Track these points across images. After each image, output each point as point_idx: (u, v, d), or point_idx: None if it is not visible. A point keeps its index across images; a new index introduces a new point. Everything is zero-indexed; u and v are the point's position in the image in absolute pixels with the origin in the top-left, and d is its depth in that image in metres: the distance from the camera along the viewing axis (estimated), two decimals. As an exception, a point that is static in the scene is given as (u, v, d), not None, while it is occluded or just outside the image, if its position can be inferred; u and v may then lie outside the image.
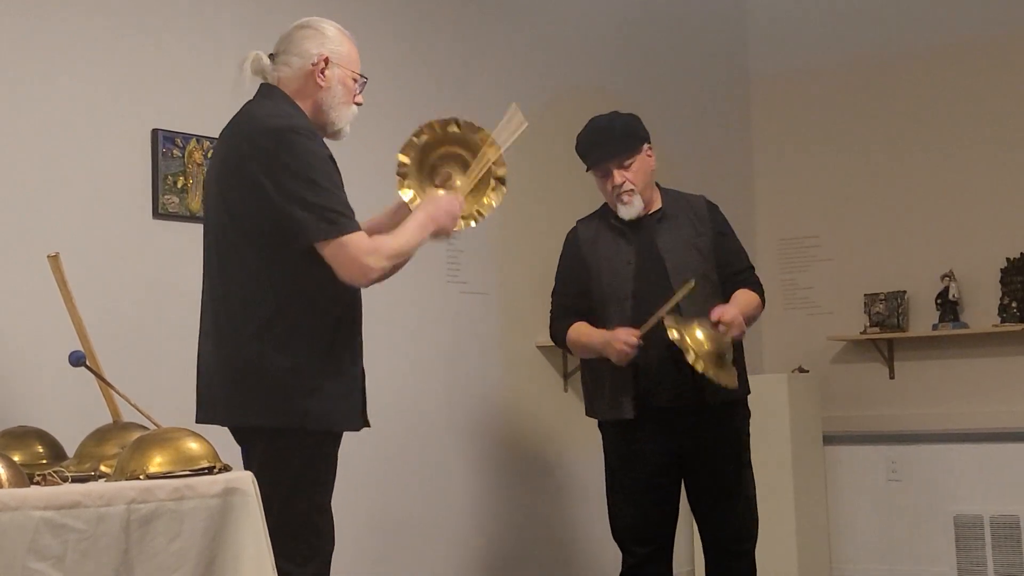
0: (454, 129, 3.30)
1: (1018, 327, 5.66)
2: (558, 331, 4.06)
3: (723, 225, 4.08)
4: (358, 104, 3.15)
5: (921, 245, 6.08)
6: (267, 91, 3.06)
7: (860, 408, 6.17)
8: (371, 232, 3.26)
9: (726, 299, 3.92)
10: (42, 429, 2.87)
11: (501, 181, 3.31)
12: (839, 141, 6.39)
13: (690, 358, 3.69)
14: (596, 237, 4.02)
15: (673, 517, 4.04)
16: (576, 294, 4.01)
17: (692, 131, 6.19)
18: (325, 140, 3.03)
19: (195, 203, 3.87)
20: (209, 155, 3.89)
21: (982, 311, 5.87)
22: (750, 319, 3.94)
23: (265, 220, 2.88)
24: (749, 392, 4.04)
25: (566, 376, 5.29)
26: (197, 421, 2.98)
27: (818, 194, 6.45)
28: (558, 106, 5.32)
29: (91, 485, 2.34)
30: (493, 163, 3.30)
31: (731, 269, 4.01)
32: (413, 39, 4.80)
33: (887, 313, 6.08)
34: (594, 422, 4.08)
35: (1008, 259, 5.79)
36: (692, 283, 3.73)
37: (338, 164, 2.99)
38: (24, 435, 2.81)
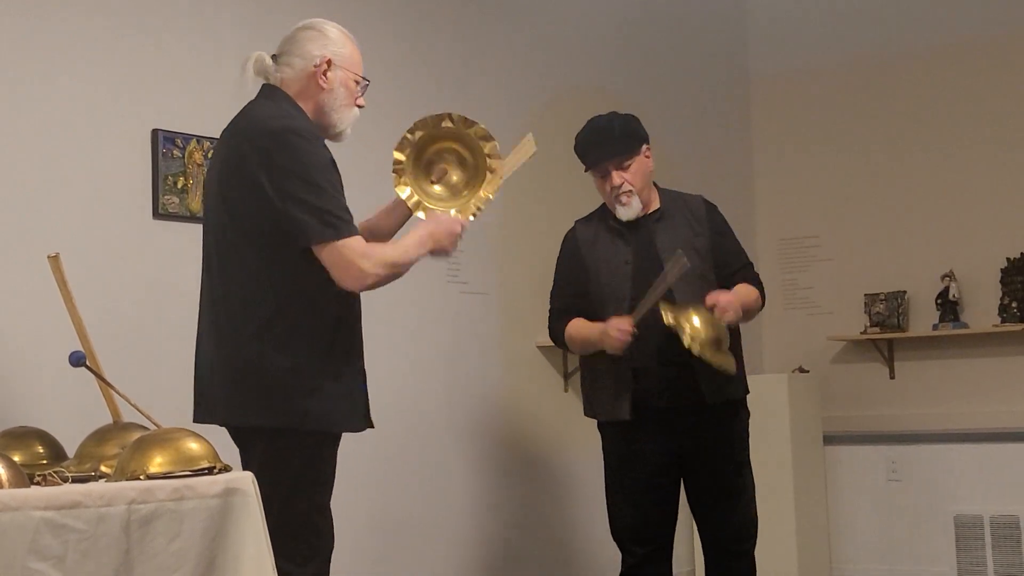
0: (448, 124, 3.30)
1: (1018, 327, 5.66)
2: (556, 330, 4.06)
3: (721, 225, 4.07)
4: (360, 106, 3.15)
5: (921, 245, 6.08)
6: (269, 92, 3.06)
7: (860, 408, 6.17)
8: (370, 229, 3.28)
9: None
10: (42, 429, 2.87)
11: (497, 174, 3.32)
12: (839, 141, 6.39)
13: (686, 341, 3.67)
14: (594, 238, 4.02)
15: (673, 517, 4.04)
16: (574, 295, 4.01)
17: (692, 131, 6.19)
18: (327, 142, 3.03)
19: (195, 203, 3.87)
20: (209, 155, 3.89)
21: (982, 311, 5.87)
22: (748, 311, 3.92)
23: (265, 220, 2.88)
24: (748, 392, 4.04)
25: (566, 376, 5.29)
26: (195, 420, 2.99)
27: (818, 194, 6.45)
28: (558, 106, 5.32)
29: (91, 485, 2.34)
30: (488, 156, 3.31)
31: (730, 269, 4.00)
32: (413, 39, 4.80)
33: (887, 313, 6.08)
34: (594, 422, 4.08)
35: (1008, 259, 5.80)
36: (683, 259, 3.69)
37: (338, 164, 2.99)
38: (24, 435, 2.81)
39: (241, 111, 3.05)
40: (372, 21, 4.49)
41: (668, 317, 3.71)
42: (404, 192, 3.28)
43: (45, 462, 2.72)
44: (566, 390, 5.29)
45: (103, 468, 2.61)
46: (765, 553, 4.20)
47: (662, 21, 6.12)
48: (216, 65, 4.00)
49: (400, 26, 4.75)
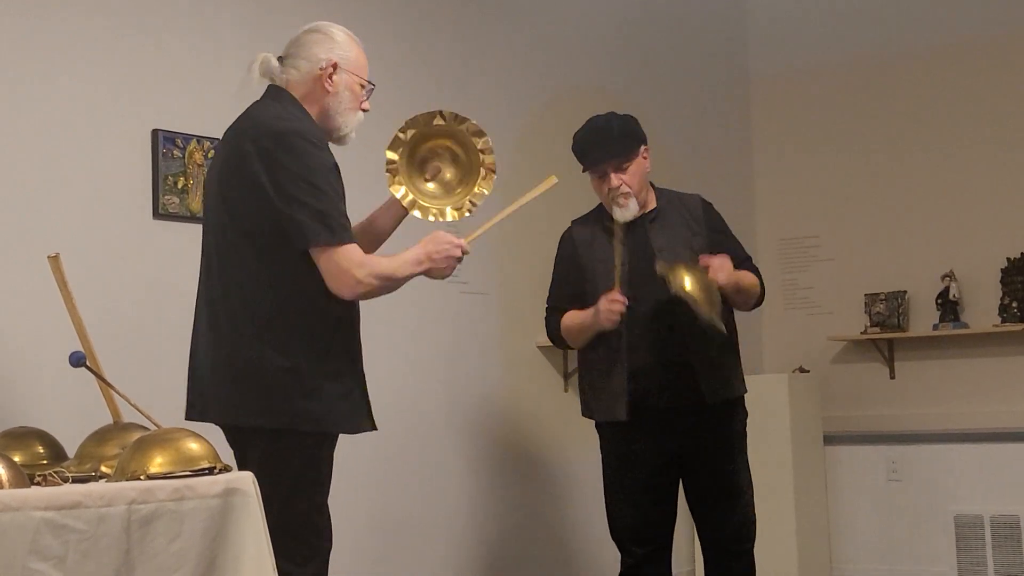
0: (440, 122, 3.30)
1: (1018, 327, 5.66)
2: (552, 328, 4.06)
3: (719, 223, 4.07)
4: (364, 110, 3.15)
5: (921, 245, 6.08)
6: (275, 93, 3.06)
7: (860, 408, 6.17)
8: (368, 226, 3.28)
9: (723, 297, 3.93)
10: (42, 429, 2.87)
11: (491, 170, 3.32)
12: (839, 141, 6.39)
13: (675, 285, 3.68)
14: (591, 238, 4.02)
15: (672, 517, 4.04)
16: (570, 295, 4.00)
17: (692, 131, 6.19)
18: (331, 147, 3.03)
19: (195, 203, 3.87)
20: (210, 155, 3.89)
21: (982, 311, 5.87)
22: (743, 289, 3.91)
23: (265, 221, 2.88)
24: (746, 392, 4.04)
25: (566, 376, 5.29)
26: (187, 418, 2.98)
27: (818, 194, 6.45)
28: (558, 106, 5.32)
29: (92, 486, 2.34)
30: (481, 151, 3.31)
31: (730, 265, 4.00)
32: (413, 39, 4.80)
33: (887, 313, 6.09)
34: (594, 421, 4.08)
35: (1008, 259, 5.80)
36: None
37: (338, 164, 2.99)
38: (24, 435, 2.81)
39: (245, 111, 3.05)
40: (372, 21, 4.49)
41: (661, 267, 3.72)
42: (399, 192, 3.28)
43: (45, 462, 2.72)
44: (566, 390, 5.29)
45: (103, 468, 2.61)
46: (765, 553, 4.20)
47: (662, 21, 6.12)
48: (216, 65, 4.00)
49: (400, 26, 4.75)
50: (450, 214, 3.31)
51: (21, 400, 3.40)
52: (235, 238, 2.93)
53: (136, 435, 2.59)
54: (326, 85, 3.05)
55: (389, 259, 3.01)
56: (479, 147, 3.31)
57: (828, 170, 6.41)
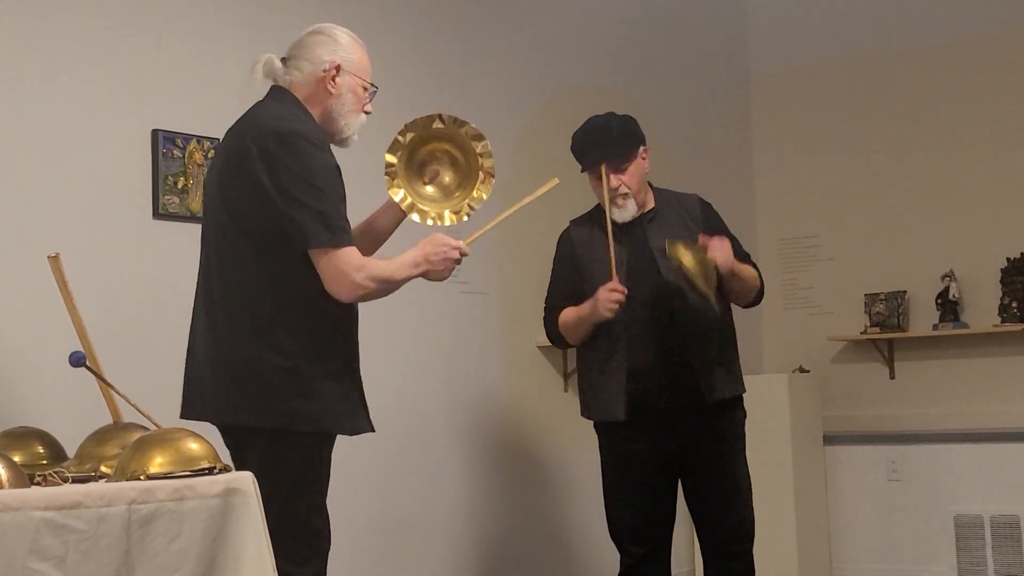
0: (439, 125, 3.30)
1: (1018, 327, 5.66)
2: (551, 327, 4.06)
3: (717, 223, 4.07)
4: (367, 113, 3.15)
5: (921, 245, 6.08)
6: (278, 94, 3.06)
7: (860, 408, 6.17)
8: (368, 226, 3.28)
9: (723, 298, 3.93)
10: (42, 429, 2.87)
11: (489, 174, 3.32)
12: (839, 141, 6.39)
13: (672, 259, 3.70)
14: (590, 239, 4.02)
15: (670, 517, 4.04)
16: (569, 295, 4.00)
17: (692, 131, 6.19)
18: (333, 149, 3.03)
19: (195, 204, 3.87)
20: (210, 155, 3.89)
21: (982, 311, 5.87)
22: (742, 277, 3.92)
23: (266, 221, 2.88)
24: (745, 391, 4.04)
25: (566, 376, 5.29)
26: (182, 417, 2.99)
27: (818, 194, 6.45)
28: (558, 106, 5.32)
29: (92, 486, 2.34)
30: (480, 155, 3.31)
31: (729, 263, 4.00)
32: (413, 39, 4.80)
33: (887, 313, 6.08)
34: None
35: (1008, 259, 5.80)
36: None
37: (339, 164, 2.99)
38: (24, 436, 2.81)
39: (247, 112, 3.05)
40: (372, 21, 4.49)
41: (667, 244, 3.75)
42: (397, 195, 3.28)
43: (45, 462, 2.72)
44: (566, 390, 5.29)
45: (103, 468, 2.61)
46: (765, 553, 4.20)
47: (662, 21, 6.12)
48: (216, 65, 4.00)
49: (400, 26, 4.75)
50: (448, 218, 3.31)
51: (21, 400, 3.40)
52: (235, 238, 2.93)
53: (136, 435, 2.59)
54: (329, 87, 3.05)
55: (387, 262, 3.01)
56: (478, 151, 3.31)
57: (828, 170, 6.41)
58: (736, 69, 6.66)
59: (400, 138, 3.29)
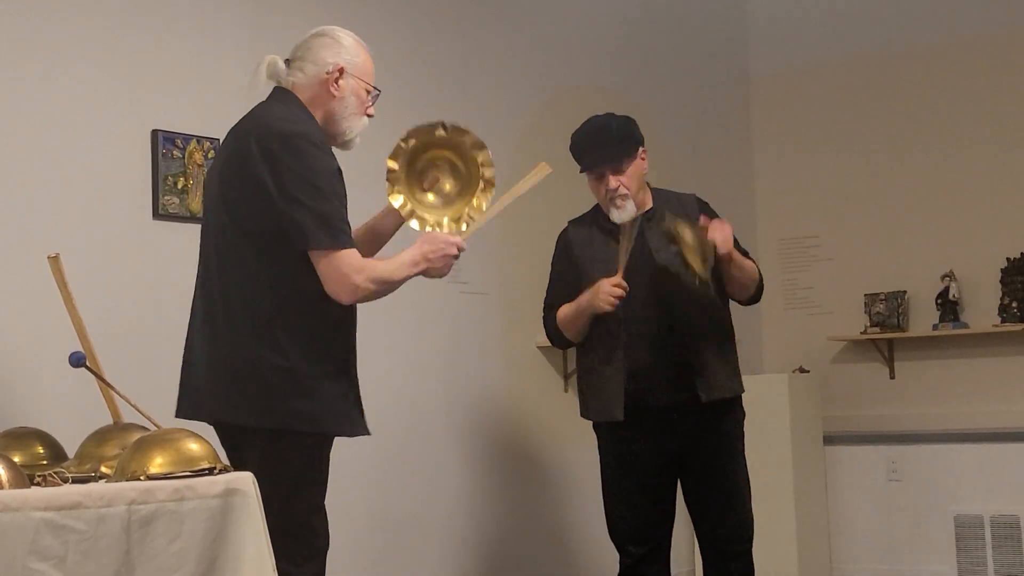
0: (441, 133, 3.31)
1: (1018, 327, 5.66)
2: (550, 326, 4.05)
3: (715, 222, 4.07)
4: (369, 116, 3.15)
5: (921, 245, 6.08)
6: (281, 95, 3.06)
7: (860, 408, 6.17)
8: (369, 229, 3.28)
9: (722, 295, 3.93)
10: (42, 430, 2.87)
11: (490, 183, 3.32)
12: (839, 141, 6.39)
13: (667, 225, 3.70)
14: (588, 239, 4.02)
15: (670, 517, 4.04)
16: (568, 295, 4.00)
17: (692, 131, 6.19)
18: (335, 151, 3.03)
19: (195, 204, 3.87)
20: (210, 156, 3.89)
21: (982, 311, 5.87)
22: (742, 267, 3.91)
23: (267, 221, 2.88)
24: (744, 391, 4.04)
25: (566, 376, 5.29)
26: (177, 415, 2.98)
27: (818, 194, 6.45)
28: (558, 106, 5.32)
29: (92, 486, 2.34)
30: (481, 164, 3.31)
31: (725, 263, 4.00)
32: (413, 39, 4.80)
33: (887, 313, 6.09)
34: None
35: (1008, 259, 5.80)
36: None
37: (338, 163, 2.99)
38: (24, 436, 2.81)
39: (249, 112, 3.05)
40: (372, 21, 4.49)
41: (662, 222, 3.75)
42: (397, 201, 3.28)
43: (45, 463, 2.72)
44: (566, 390, 5.29)
45: (103, 469, 2.61)
46: (765, 553, 4.20)
47: (662, 21, 6.12)
48: (216, 65, 4.00)
49: (400, 26, 4.75)
50: (447, 226, 3.31)
51: (21, 400, 3.40)
52: (235, 238, 2.93)
53: (136, 435, 2.59)
54: (332, 89, 3.05)
55: (386, 262, 3.01)
56: (479, 160, 3.31)
57: (828, 170, 6.41)
58: (736, 69, 6.66)
59: (402, 144, 3.29)
